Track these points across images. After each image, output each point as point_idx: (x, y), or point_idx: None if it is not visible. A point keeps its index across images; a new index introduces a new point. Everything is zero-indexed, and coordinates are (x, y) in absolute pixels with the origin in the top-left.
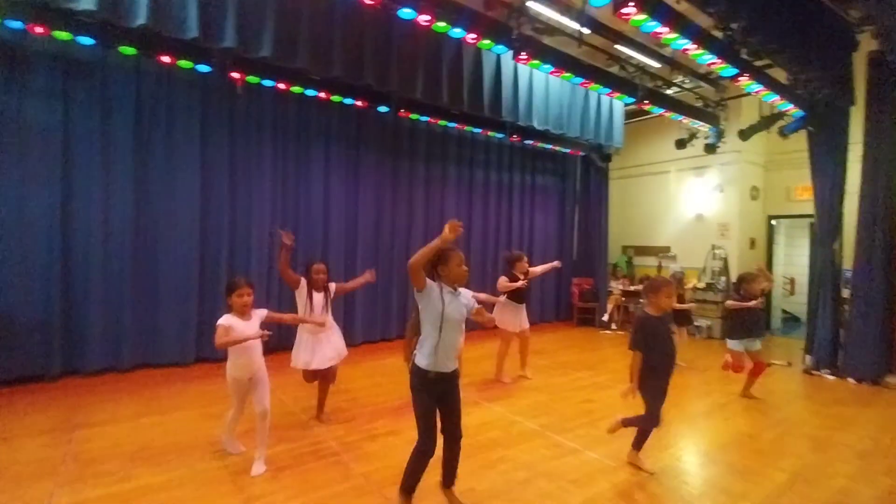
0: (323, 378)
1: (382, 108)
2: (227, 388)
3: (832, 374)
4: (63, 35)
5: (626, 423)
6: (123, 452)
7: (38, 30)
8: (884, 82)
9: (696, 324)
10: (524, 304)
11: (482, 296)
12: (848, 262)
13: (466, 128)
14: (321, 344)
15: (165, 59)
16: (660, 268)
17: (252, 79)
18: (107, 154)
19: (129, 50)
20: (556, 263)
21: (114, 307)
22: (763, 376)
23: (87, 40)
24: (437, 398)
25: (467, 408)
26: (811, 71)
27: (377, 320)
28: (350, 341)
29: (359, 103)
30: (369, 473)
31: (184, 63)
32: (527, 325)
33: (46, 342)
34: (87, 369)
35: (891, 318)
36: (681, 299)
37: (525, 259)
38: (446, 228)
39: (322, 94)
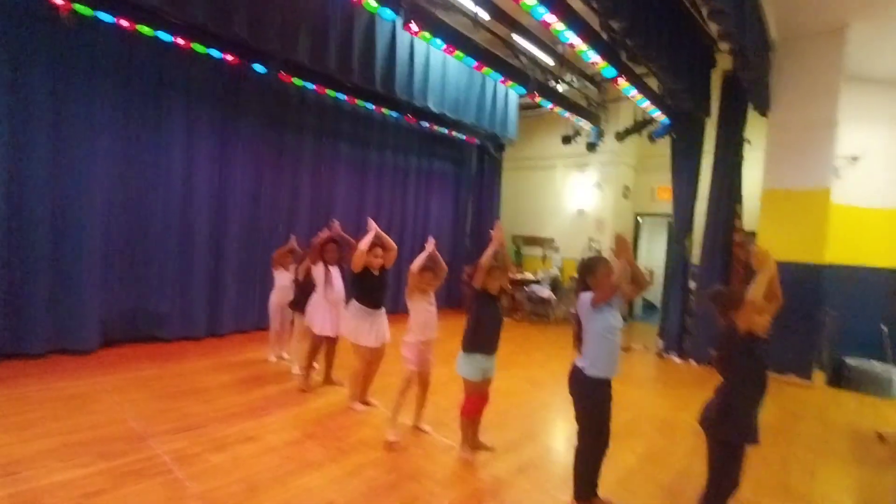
0: None
1: (259, 68)
2: None
3: (679, 357)
4: None
5: None
6: None
7: None
8: (734, 100)
9: (572, 310)
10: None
11: None
12: (696, 257)
13: (359, 102)
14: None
15: None
16: (544, 258)
17: (83, 8)
18: None
19: None
20: None
21: None
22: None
23: None
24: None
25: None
26: (679, 82)
27: (252, 308)
28: (216, 330)
29: (229, 58)
30: (208, 492)
31: None
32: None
33: None
34: None
35: None
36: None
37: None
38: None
39: (180, 41)
